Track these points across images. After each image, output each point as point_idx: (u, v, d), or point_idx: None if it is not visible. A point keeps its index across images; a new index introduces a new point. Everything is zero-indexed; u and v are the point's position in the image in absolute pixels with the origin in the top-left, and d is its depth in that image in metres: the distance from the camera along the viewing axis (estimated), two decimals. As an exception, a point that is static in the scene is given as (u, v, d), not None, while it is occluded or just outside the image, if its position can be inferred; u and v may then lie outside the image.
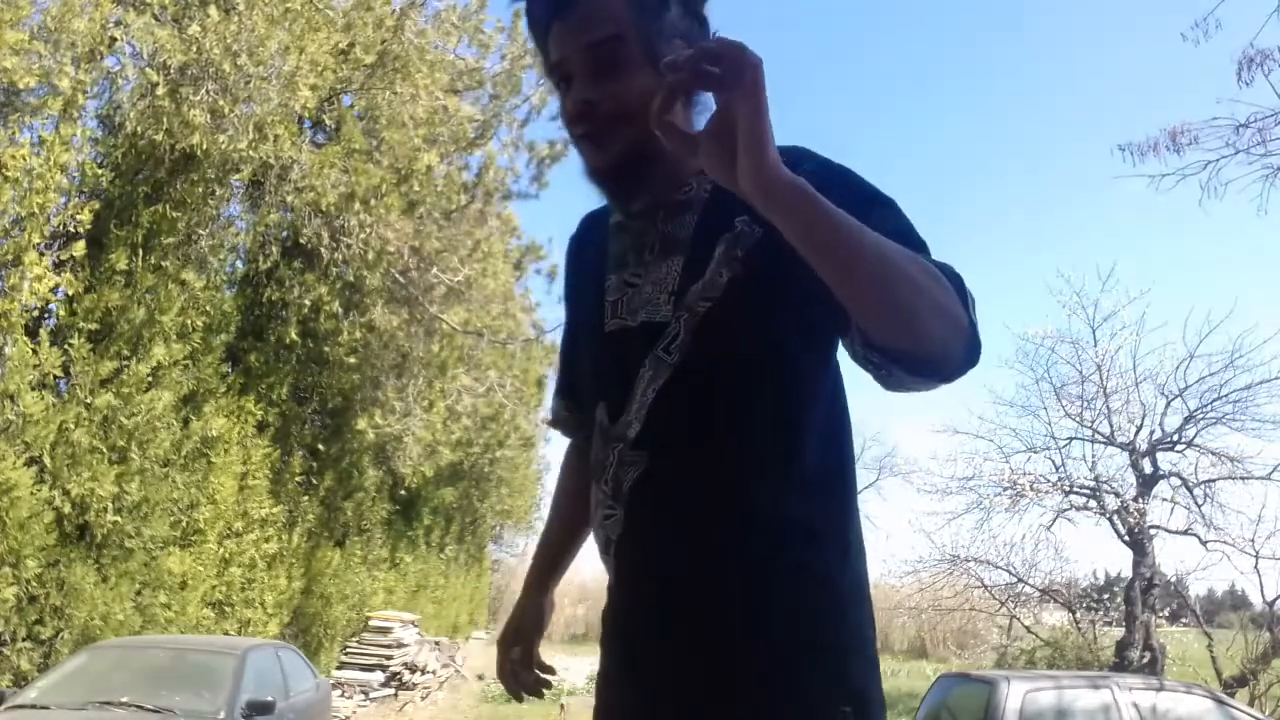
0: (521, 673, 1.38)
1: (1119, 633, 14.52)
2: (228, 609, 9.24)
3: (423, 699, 13.06)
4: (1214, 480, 14.02)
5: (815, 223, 0.85)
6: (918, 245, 1.00)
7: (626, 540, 1.11)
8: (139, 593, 7.48)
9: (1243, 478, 13.74)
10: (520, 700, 1.33)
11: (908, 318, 0.90)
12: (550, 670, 1.41)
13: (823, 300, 0.92)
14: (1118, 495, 14.71)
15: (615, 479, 1.10)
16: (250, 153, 7.45)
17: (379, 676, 12.31)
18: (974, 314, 0.96)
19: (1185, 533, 14.08)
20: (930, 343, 0.93)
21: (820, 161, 1.10)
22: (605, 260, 1.19)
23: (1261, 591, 12.42)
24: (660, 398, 1.07)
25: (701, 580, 1.06)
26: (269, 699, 5.58)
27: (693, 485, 1.07)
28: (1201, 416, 14.12)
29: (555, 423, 1.39)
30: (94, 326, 7.06)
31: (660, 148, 0.96)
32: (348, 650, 12.76)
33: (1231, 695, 8.99)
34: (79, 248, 6.71)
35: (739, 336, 1.06)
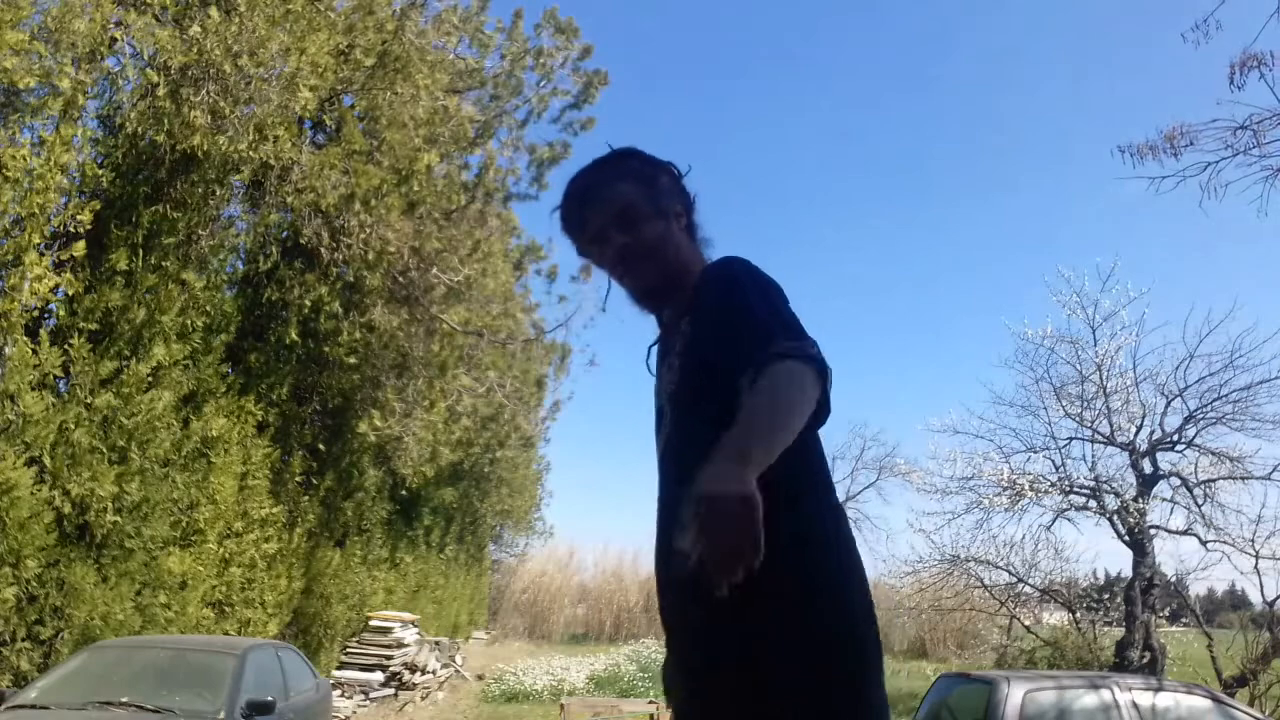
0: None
1: (1119, 633, 14.51)
2: (228, 609, 9.24)
3: (423, 699, 13.06)
4: (1214, 480, 14.01)
5: (755, 465, 1.22)
6: (776, 334, 1.38)
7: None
8: (139, 593, 7.48)
9: (1243, 478, 13.74)
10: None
11: (787, 427, 1.30)
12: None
13: (735, 372, 1.37)
14: (1118, 495, 14.70)
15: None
16: (251, 153, 7.45)
17: (379, 676, 12.32)
18: (814, 355, 1.35)
19: (1185, 533, 14.08)
20: (802, 409, 1.33)
21: (718, 300, 1.51)
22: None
23: (1261, 591, 12.42)
24: (662, 443, 1.62)
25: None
26: (269, 699, 5.58)
27: (673, 495, 1.52)
28: (1201, 416, 14.12)
29: None
30: (94, 326, 7.06)
31: (676, 278, 1.62)
32: (348, 650, 12.76)
33: (1231, 695, 8.98)
34: (79, 248, 6.71)
35: (685, 402, 1.56)
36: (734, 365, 1.38)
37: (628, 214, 1.62)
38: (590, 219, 1.65)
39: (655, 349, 1.73)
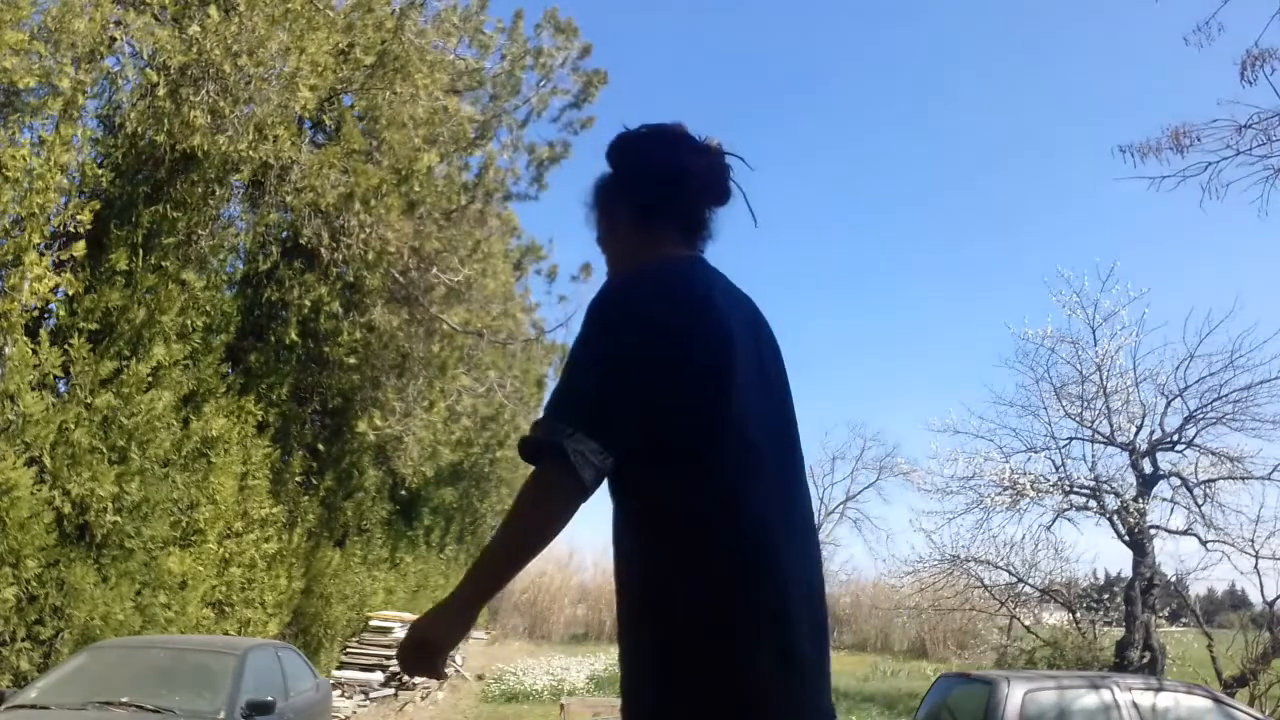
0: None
1: (1119, 633, 14.51)
2: (228, 609, 9.24)
3: (423, 699, 13.06)
4: (1214, 480, 14.02)
5: (472, 600, 1.38)
6: (539, 421, 1.38)
7: None
8: (139, 593, 7.48)
9: (1243, 478, 13.74)
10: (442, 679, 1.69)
11: (519, 538, 1.37)
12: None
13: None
14: (1118, 495, 14.70)
15: None
16: (250, 153, 7.44)
17: (379, 676, 12.32)
18: (534, 438, 1.35)
19: (1185, 533, 14.09)
20: (545, 504, 1.36)
21: (576, 339, 1.48)
22: None
23: (1261, 591, 12.44)
24: None
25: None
26: (269, 699, 5.58)
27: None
28: (1201, 416, 14.12)
29: None
30: (94, 326, 7.05)
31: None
32: (348, 650, 12.76)
33: (1231, 695, 8.98)
34: (79, 248, 6.71)
35: None
36: None
37: (601, 229, 1.73)
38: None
39: None
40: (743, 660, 1.32)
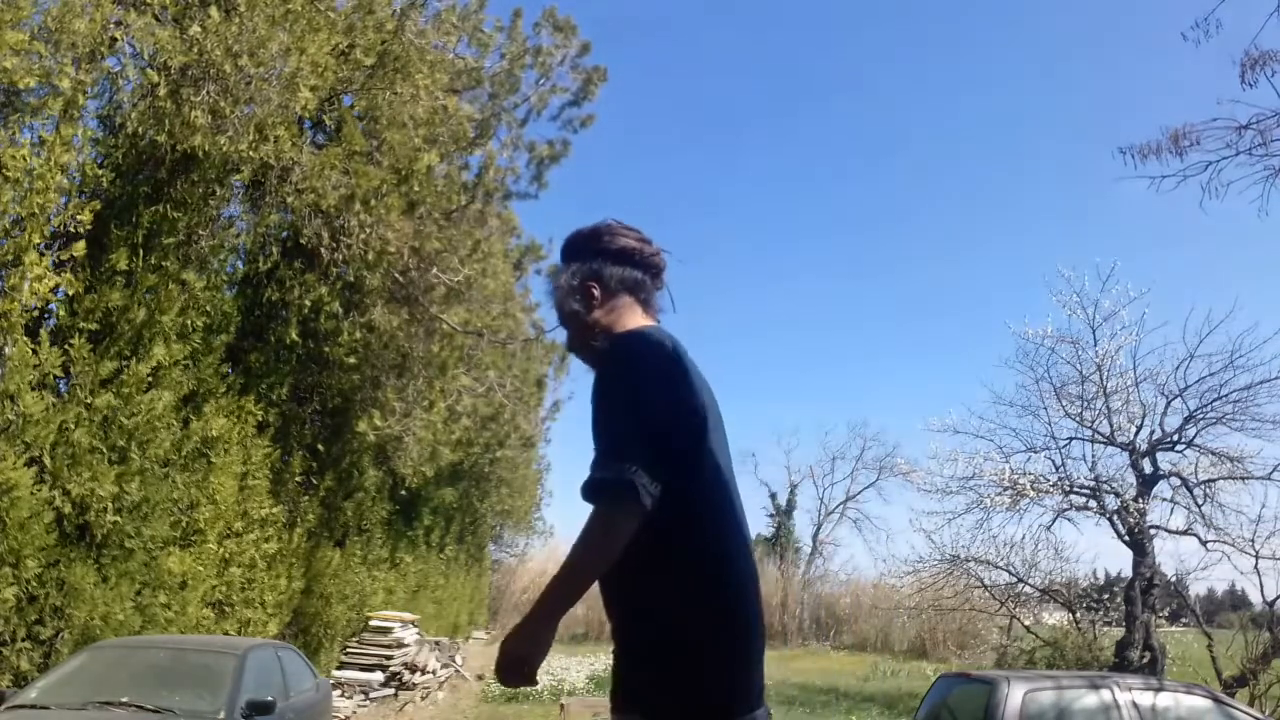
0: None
1: (1119, 633, 14.52)
2: (228, 609, 9.24)
3: (423, 699, 13.06)
4: (1214, 480, 14.02)
5: (553, 614, 1.62)
6: (596, 463, 1.64)
7: None
8: (139, 593, 7.47)
9: (1243, 478, 13.75)
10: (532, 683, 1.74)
11: (601, 555, 1.61)
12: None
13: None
14: (1118, 495, 14.71)
15: None
16: (251, 153, 7.44)
17: (379, 676, 12.31)
18: (595, 479, 1.61)
19: (1185, 533, 14.09)
20: (612, 535, 1.60)
21: (598, 387, 1.76)
22: None
23: (1261, 591, 12.44)
24: None
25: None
26: (269, 699, 5.57)
27: None
28: (1201, 416, 14.13)
29: None
30: (94, 326, 7.05)
31: (585, 336, 2.00)
32: (348, 650, 12.76)
33: (1231, 695, 8.98)
34: (79, 248, 6.70)
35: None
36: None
37: (561, 306, 2.03)
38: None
39: None
40: (735, 651, 1.67)
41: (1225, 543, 13.35)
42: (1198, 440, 14.28)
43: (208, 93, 7.07)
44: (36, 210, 6.21)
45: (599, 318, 1.96)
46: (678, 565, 1.67)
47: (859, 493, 38.27)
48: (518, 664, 1.59)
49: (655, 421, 1.67)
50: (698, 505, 1.70)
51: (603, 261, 1.99)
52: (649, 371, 1.75)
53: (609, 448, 1.65)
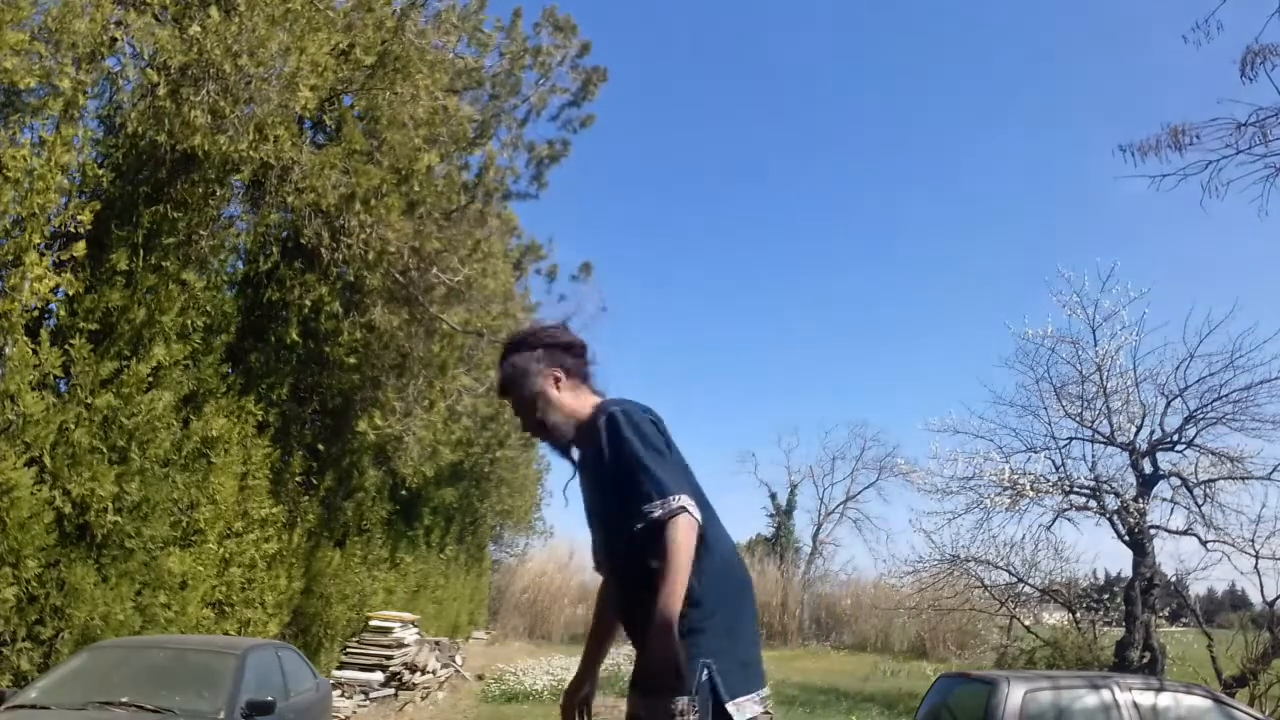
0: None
1: (1119, 633, 14.52)
2: (228, 609, 9.24)
3: (423, 699, 13.06)
4: (1214, 480, 14.02)
5: (673, 622, 1.97)
6: (652, 496, 2.08)
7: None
8: (139, 593, 7.48)
9: (1243, 478, 13.74)
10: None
11: (682, 564, 2.03)
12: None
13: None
14: (1118, 495, 14.70)
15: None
16: (251, 153, 7.44)
17: (379, 676, 12.31)
18: (659, 509, 2.06)
19: (1185, 533, 14.08)
20: (684, 544, 2.04)
21: (614, 448, 2.19)
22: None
23: (1261, 591, 12.42)
24: (599, 540, 2.38)
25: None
26: (269, 699, 5.57)
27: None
28: (1201, 416, 14.12)
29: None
30: (94, 326, 7.05)
31: (556, 424, 2.40)
32: (348, 650, 12.75)
33: (1231, 695, 8.98)
34: (79, 248, 6.70)
35: (605, 516, 2.31)
36: (630, 496, 2.10)
37: (515, 403, 2.44)
38: (509, 405, 2.52)
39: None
40: (749, 633, 2.21)
41: (1225, 543, 13.35)
42: (1198, 440, 14.28)
43: (208, 92, 7.07)
44: (37, 210, 6.22)
45: (567, 401, 2.36)
46: (706, 562, 2.09)
47: (859, 493, 38.24)
48: (673, 666, 1.93)
49: (673, 460, 2.17)
50: (704, 514, 2.14)
51: (559, 354, 2.40)
52: (650, 426, 2.20)
53: (656, 489, 2.07)
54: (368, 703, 11.76)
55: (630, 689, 2.06)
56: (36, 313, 6.58)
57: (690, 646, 2.01)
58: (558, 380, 2.37)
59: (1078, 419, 15.37)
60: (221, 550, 8.98)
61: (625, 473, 2.12)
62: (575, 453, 2.40)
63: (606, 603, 2.49)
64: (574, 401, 2.37)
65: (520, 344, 2.44)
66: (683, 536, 2.02)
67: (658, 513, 2.03)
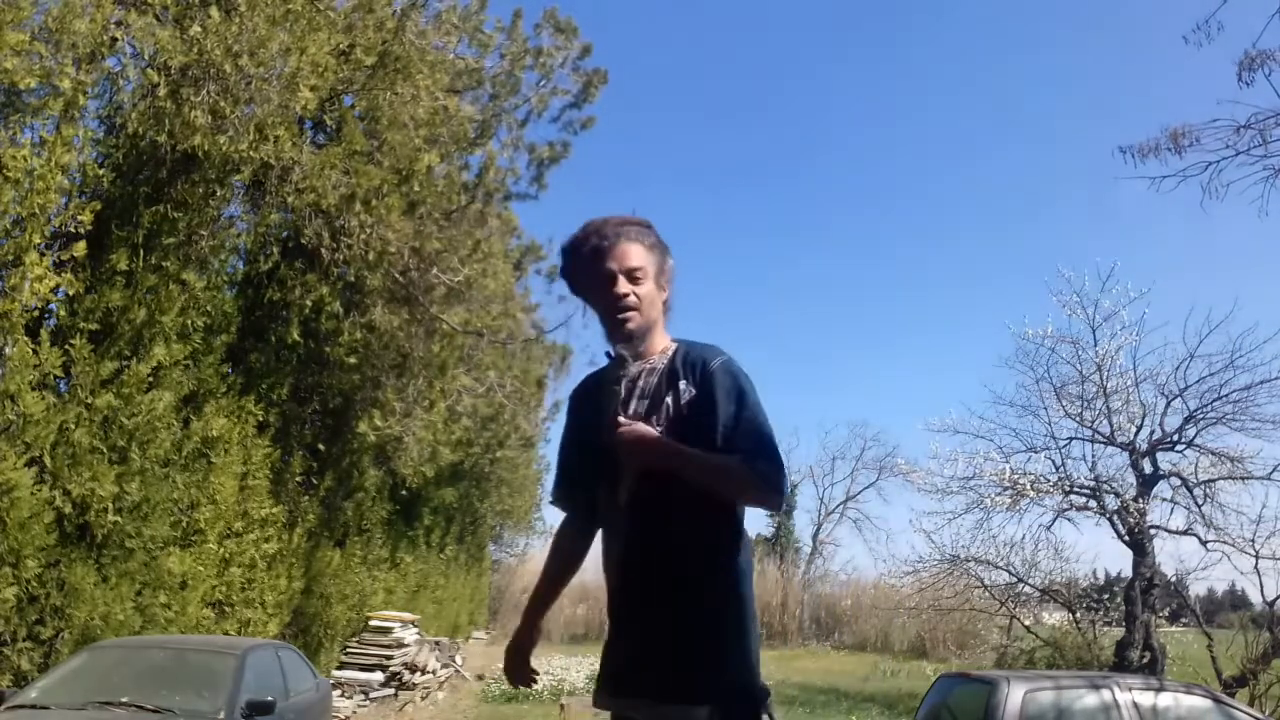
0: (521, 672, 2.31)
1: (1119, 633, 14.52)
2: (228, 609, 9.24)
3: (423, 699, 13.07)
4: (1214, 480, 14.02)
5: (678, 467, 1.88)
6: (759, 439, 1.92)
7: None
8: (139, 593, 7.48)
9: (1243, 478, 13.75)
10: (528, 685, 2.25)
11: (725, 494, 1.93)
12: (535, 672, 2.36)
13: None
14: (1118, 495, 14.71)
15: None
16: (251, 153, 7.44)
17: (379, 676, 12.31)
18: (776, 476, 1.91)
19: (1185, 533, 14.09)
20: (745, 500, 1.97)
21: (732, 397, 1.95)
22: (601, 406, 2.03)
23: (1261, 591, 12.43)
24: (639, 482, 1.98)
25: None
26: (269, 699, 5.58)
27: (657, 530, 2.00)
28: (1201, 416, 14.13)
29: (559, 504, 2.28)
30: (94, 327, 7.05)
31: (653, 331, 2.07)
32: (348, 650, 12.76)
33: (1231, 695, 8.99)
34: (80, 248, 6.70)
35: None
36: (729, 438, 1.90)
37: (655, 268, 2.07)
38: (630, 252, 2.03)
39: (605, 386, 2.05)
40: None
41: (1225, 543, 13.36)
42: (1198, 440, 14.29)
43: (208, 93, 7.07)
44: (37, 210, 6.22)
45: (658, 314, 2.08)
46: (744, 557, 1.99)
47: (859, 493, 38.24)
48: (644, 438, 1.89)
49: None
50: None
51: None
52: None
53: (775, 449, 1.94)
54: (368, 703, 11.76)
55: (654, 699, 1.92)
56: (37, 313, 6.58)
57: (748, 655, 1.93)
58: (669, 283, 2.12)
59: (1078, 419, 15.39)
60: (221, 550, 8.98)
61: (739, 423, 1.90)
62: (625, 368, 2.02)
63: (573, 541, 2.27)
64: (660, 320, 2.08)
65: (651, 229, 2.12)
66: (758, 487, 1.90)
67: (782, 488, 1.92)
